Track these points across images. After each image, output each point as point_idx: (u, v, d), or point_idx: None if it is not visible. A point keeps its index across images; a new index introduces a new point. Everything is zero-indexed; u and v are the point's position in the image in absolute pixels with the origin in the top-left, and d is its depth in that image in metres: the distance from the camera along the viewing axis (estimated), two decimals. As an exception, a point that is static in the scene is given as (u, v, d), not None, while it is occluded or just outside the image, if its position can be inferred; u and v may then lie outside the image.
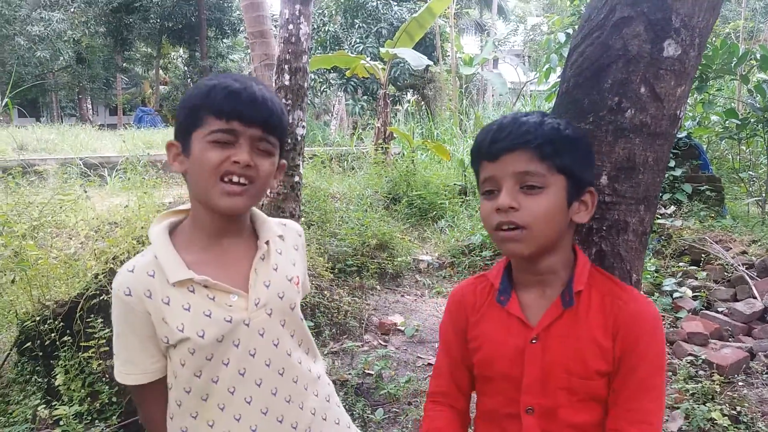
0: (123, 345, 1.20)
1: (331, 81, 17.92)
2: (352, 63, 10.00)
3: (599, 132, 1.31)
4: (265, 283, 1.23)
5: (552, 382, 1.14)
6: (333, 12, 17.85)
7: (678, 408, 3.01)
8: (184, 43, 29.63)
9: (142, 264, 1.18)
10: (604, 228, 1.34)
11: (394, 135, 10.17)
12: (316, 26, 17.00)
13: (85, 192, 4.63)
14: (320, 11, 17.60)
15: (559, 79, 2.20)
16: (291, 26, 4.26)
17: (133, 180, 5.28)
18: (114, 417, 2.71)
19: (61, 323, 2.85)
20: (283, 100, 4.24)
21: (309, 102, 15.23)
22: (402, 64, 15.05)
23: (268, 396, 1.22)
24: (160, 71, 31.49)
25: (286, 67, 4.26)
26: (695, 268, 5.07)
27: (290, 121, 4.25)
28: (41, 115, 31.00)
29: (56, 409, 2.57)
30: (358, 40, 16.49)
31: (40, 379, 2.93)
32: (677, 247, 5.45)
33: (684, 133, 7.43)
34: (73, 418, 2.56)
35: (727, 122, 7.47)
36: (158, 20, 26.46)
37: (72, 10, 25.53)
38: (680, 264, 5.18)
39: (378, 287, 5.37)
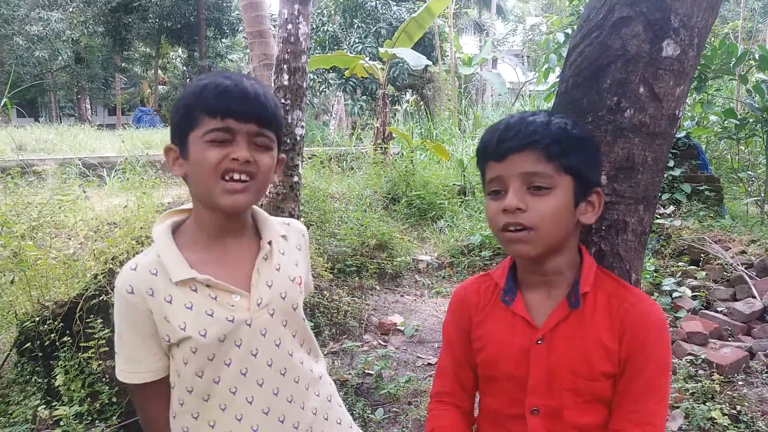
0: (125, 343, 1.20)
1: (330, 81, 17.92)
2: (351, 63, 9.99)
3: (598, 132, 1.32)
4: (267, 283, 1.23)
5: (557, 383, 1.14)
6: (332, 12, 17.86)
7: (678, 407, 3.01)
8: (182, 42, 29.60)
9: (145, 262, 1.18)
10: (603, 228, 1.34)
11: (393, 135, 10.16)
12: (315, 26, 17.00)
13: (84, 192, 4.63)
14: (319, 11, 17.60)
15: (558, 79, 2.20)
16: (290, 26, 4.26)
17: (132, 180, 5.27)
18: (114, 417, 2.71)
19: (61, 323, 2.85)
20: (282, 100, 4.24)
21: (308, 102, 15.23)
22: (401, 64, 15.05)
23: (270, 396, 1.22)
24: (159, 71, 31.46)
25: (285, 66, 4.26)
26: (694, 267, 5.07)
27: (289, 121, 4.25)
28: (40, 115, 30.97)
29: (56, 409, 2.57)
30: (357, 40, 16.50)
31: (40, 380, 2.93)
32: (676, 246, 5.45)
33: (683, 133, 7.44)
34: (73, 419, 2.55)
35: (725, 122, 7.48)
36: (157, 20, 26.43)
37: (70, 9, 25.50)
38: (679, 264, 5.19)
39: (377, 287, 5.37)
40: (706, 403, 3.03)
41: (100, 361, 2.74)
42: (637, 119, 1.30)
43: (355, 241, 5.57)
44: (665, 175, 6.67)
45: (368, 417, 3.11)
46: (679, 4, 1.27)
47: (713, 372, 3.37)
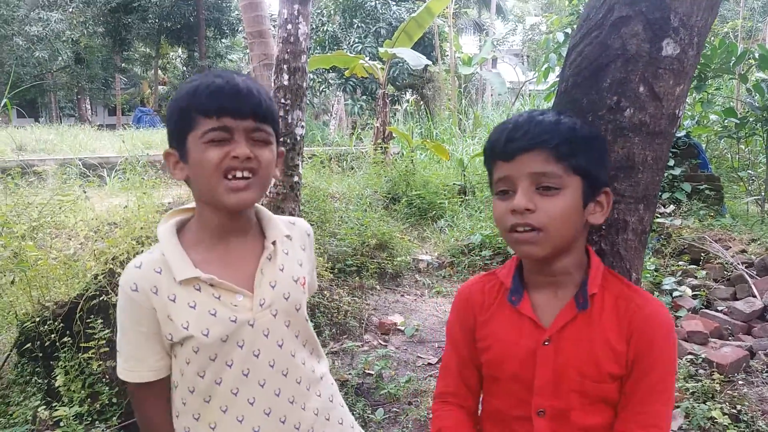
0: (127, 341, 1.20)
1: (330, 81, 17.92)
2: (350, 63, 9.99)
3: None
4: (270, 284, 1.23)
5: (564, 384, 1.13)
6: (332, 12, 17.86)
7: (678, 407, 3.01)
8: (182, 43, 29.61)
9: (149, 261, 1.18)
10: (604, 227, 1.34)
11: (393, 135, 10.16)
12: (314, 26, 17.00)
13: (85, 192, 4.63)
14: (319, 11, 17.60)
15: (557, 79, 2.20)
16: (290, 26, 4.26)
17: (132, 180, 5.28)
18: (114, 418, 2.71)
19: (61, 324, 2.85)
20: (282, 100, 4.24)
21: (308, 102, 15.24)
22: (401, 64, 15.05)
23: (272, 397, 1.22)
24: (159, 71, 31.46)
25: (285, 67, 4.26)
26: (695, 267, 5.07)
27: (289, 121, 4.25)
28: (40, 116, 30.98)
29: (56, 410, 2.57)
30: (356, 40, 16.50)
31: (40, 380, 2.93)
32: (677, 246, 5.45)
33: (683, 132, 7.44)
34: (73, 419, 2.55)
35: (725, 121, 7.48)
36: (157, 20, 26.43)
37: (70, 10, 25.51)
38: (680, 263, 5.19)
39: (378, 287, 5.37)
40: (707, 403, 3.03)
41: (101, 362, 2.74)
42: (637, 118, 1.30)
43: (355, 240, 5.57)
44: (665, 175, 6.67)
45: (368, 417, 3.11)
46: (678, 3, 1.26)
47: (713, 371, 3.36)
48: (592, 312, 1.14)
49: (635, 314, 1.12)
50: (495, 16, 28.70)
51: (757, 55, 6.62)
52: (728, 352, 3.57)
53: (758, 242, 5.43)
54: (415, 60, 9.88)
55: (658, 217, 6.03)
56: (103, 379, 2.78)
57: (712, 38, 9.07)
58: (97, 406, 2.73)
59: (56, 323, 2.82)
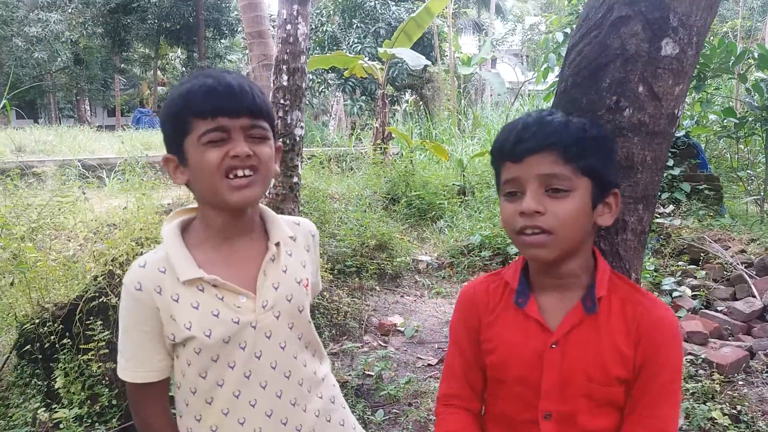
0: (130, 341, 1.19)
1: (329, 81, 17.92)
2: (350, 63, 10.00)
3: (598, 132, 1.31)
4: (273, 285, 1.22)
5: (571, 388, 1.12)
6: (331, 12, 17.85)
7: (678, 407, 3.01)
8: (182, 43, 29.61)
9: (153, 260, 1.18)
10: (603, 227, 1.34)
11: (393, 135, 10.17)
12: (314, 26, 17.01)
13: (84, 194, 4.63)
14: (318, 11, 17.60)
15: (557, 79, 2.20)
16: (289, 26, 4.26)
17: (132, 181, 5.27)
18: (114, 420, 2.71)
19: (61, 326, 2.84)
20: (281, 101, 4.24)
21: (307, 102, 15.22)
22: (400, 64, 15.05)
23: (273, 398, 1.22)
24: (158, 72, 31.48)
25: (284, 67, 4.26)
26: (694, 267, 5.07)
27: (288, 121, 4.25)
28: (39, 117, 30.97)
29: (56, 412, 2.57)
30: (356, 41, 16.50)
31: (39, 382, 2.92)
32: (676, 246, 5.45)
33: (682, 132, 7.44)
34: (73, 421, 2.55)
35: (725, 121, 7.47)
36: (156, 21, 26.44)
37: (69, 11, 25.51)
38: (679, 263, 5.19)
39: (377, 288, 5.36)
40: (707, 403, 3.03)
41: (100, 364, 2.74)
42: (636, 118, 1.30)
43: (354, 241, 5.56)
44: (665, 175, 6.67)
45: (368, 418, 3.10)
46: (677, 3, 1.26)
47: (713, 372, 3.36)
48: (599, 315, 1.12)
49: (643, 318, 1.11)
50: (494, 16, 28.74)
51: (756, 54, 6.62)
52: (728, 353, 3.56)
53: (757, 242, 5.43)
54: (415, 60, 9.89)
55: (657, 217, 6.04)
56: (103, 381, 2.77)
57: (712, 38, 9.07)
58: (97, 407, 2.72)
59: (56, 325, 2.82)
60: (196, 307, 1.16)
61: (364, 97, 17.90)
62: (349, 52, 13.72)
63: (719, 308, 4.36)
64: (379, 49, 10.63)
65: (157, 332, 1.18)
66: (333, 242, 5.48)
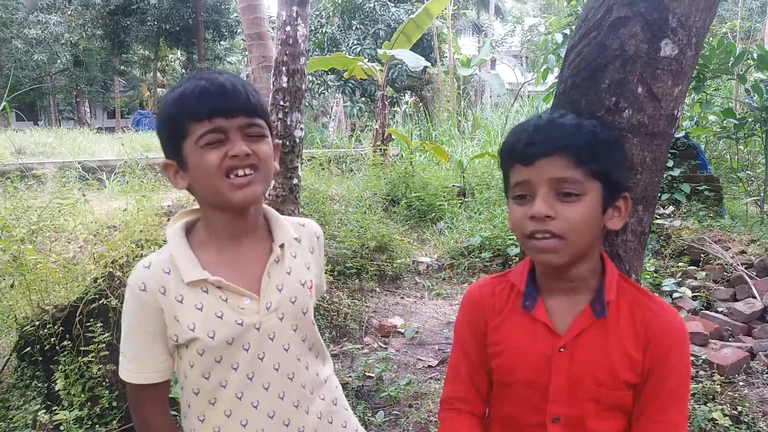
0: (134, 342, 1.19)
1: (329, 83, 17.94)
2: (349, 65, 10.01)
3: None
4: (277, 287, 1.22)
5: (580, 392, 1.11)
6: (330, 14, 17.87)
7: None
8: (181, 45, 29.64)
9: (158, 261, 1.18)
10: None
11: (393, 136, 10.18)
12: (313, 28, 17.03)
13: (84, 196, 4.62)
14: (317, 13, 17.62)
15: (556, 80, 2.20)
16: (288, 28, 4.26)
17: (132, 183, 5.27)
18: (114, 421, 2.71)
19: (61, 328, 2.84)
20: (281, 102, 4.25)
21: (307, 104, 15.24)
22: (400, 66, 15.08)
23: (276, 400, 1.22)
24: (158, 74, 31.52)
25: (284, 69, 4.26)
26: (694, 268, 5.07)
27: (288, 123, 4.25)
28: (39, 119, 30.97)
29: (56, 413, 2.57)
30: (355, 42, 16.51)
31: (40, 384, 2.92)
32: (676, 247, 5.45)
33: (682, 133, 7.44)
34: (73, 423, 2.55)
35: (724, 122, 7.48)
36: (155, 23, 26.47)
37: (69, 12, 25.54)
38: (679, 264, 5.19)
39: (377, 289, 5.36)
40: (707, 404, 3.03)
41: (101, 365, 2.74)
42: (635, 119, 1.30)
43: (354, 243, 5.56)
44: (664, 176, 6.66)
45: (369, 420, 3.10)
46: (676, 3, 1.27)
47: (714, 372, 3.36)
48: (608, 319, 1.12)
49: (652, 322, 1.11)
50: (494, 17, 28.76)
51: (755, 55, 6.63)
52: (728, 354, 3.56)
53: (758, 243, 5.43)
54: (414, 61, 9.90)
55: (657, 218, 6.04)
56: (103, 383, 2.77)
57: (711, 39, 9.08)
58: (97, 409, 2.72)
59: (56, 327, 2.82)
60: (200, 309, 1.15)
61: (363, 99, 17.91)
62: (349, 54, 13.74)
63: (719, 309, 4.36)
64: (378, 50, 10.64)
65: (161, 333, 1.18)
66: (333, 244, 5.48)
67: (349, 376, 3.52)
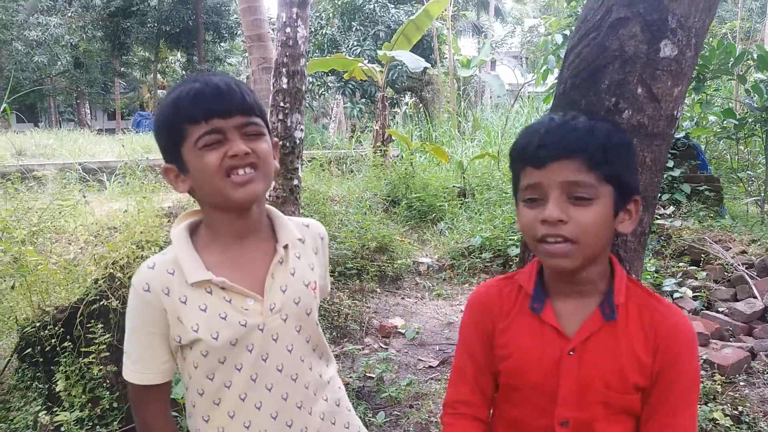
0: (138, 342, 1.19)
1: (329, 84, 17.94)
2: (349, 66, 10.01)
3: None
4: (281, 288, 1.22)
5: (589, 395, 1.10)
6: (330, 15, 17.88)
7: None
8: (181, 46, 29.63)
9: (162, 262, 1.18)
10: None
11: (393, 137, 10.18)
12: (313, 29, 17.03)
13: (84, 197, 4.62)
14: (317, 14, 17.62)
15: (556, 81, 2.20)
16: (288, 29, 4.26)
17: (132, 185, 5.27)
18: (115, 422, 2.71)
19: (62, 329, 2.84)
20: (281, 104, 4.25)
21: (307, 105, 15.25)
22: (400, 67, 15.08)
23: (279, 401, 1.22)
24: (158, 75, 31.51)
25: (284, 70, 4.26)
26: (695, 268, 5.07)
27: (288, 124, 4.25)
28: (39, 120, 30.97)
29: (57, 415, 2.57)
30: (355, 43, 16.52)
31: (40, 385, 2.92)
32: (677, 247, 5.45)
33: (682, 134, 7.44)
34: (74, 424, 2.55)
35: (725, 122, 7.48)
36: (156, 24, 26.46)
37: (69, 14, 25.54)
38: (680, 264, 5.19)
39: (378, 290, 5.36)
40: (708, 404, 3.03)
41: (101, 366, 2.74)
42: (635, 120, 1.31)
43: (355, 243, 5.57)
44: (665, 176, 6.67)
45: (369, 420, 3.10)
46: (676, 4, 1.27)
47: (714, 373, 3.36)
48: (617, 322, 1.11)
49: (660, 325, 1.10)
50: (493, 18, 28.76)
51: (755, 55, 6.62)
52: (729, 354, 3.56)
53: (758, 243, 5.42)
54: (414, 63, 9.90)
55: (657, 219, 6.04)
56: (104, 384, 2.77)
57: (711, 39, 9.08)
58: (98, 410, 2.72)
59: (57, 328, 2.82)
60: (203, 310, 1.16)
61: (363, 100, 17.92)
62: (349, 55, 13.75)
63: (720, 309, 4.36)
64: (378, 51, 10.65)
65: (163, 334, 1.18)
66: (334, 244, 5.48)
67: (350, 377, 3.52)
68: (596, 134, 1.04)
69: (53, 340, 2.79)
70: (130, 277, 2.85)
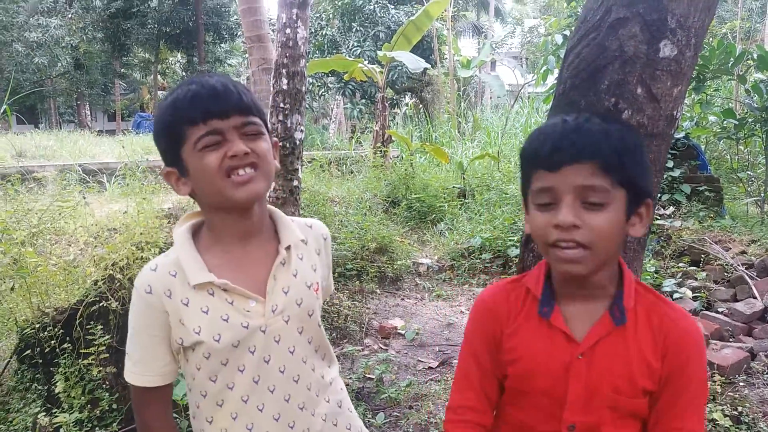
0: (140, 344, 1.19)
1: (329, 85, 17.95)
2: (350, 66, 10.02)
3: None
4: (283, 290, 1.22)
5: (597, 399, 1.10)
6: (330, 16, 17.88)
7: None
8: (182, 48, 29.65)
9: (164, 263, 1.18)
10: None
11: (393, 138, 10.18)
12: (313, 30, 17.03)
13: (84, 198, 4.63)
14: (317, 15, 17.63)
15: (556, 81, 2.20)
16: (288, 30, 4.27)
17: (132, 186, 5.27)
18: (114, 424, 2.71)
19: (61, 330, 2.84)
20: (281, 104, 4.25)
21: (307, 106, 15.25)
22: (400, 68, 15.07)
23: (281, 402, 1.22)
24: (159, 76, 31.50)
25: (284, 71, 4.26)
26: (695, 268, 5.07)
27: (288, 125, 4.25)
28: (40, 122, 30.97)
29: (56, 416, 2.57)
30: (355, 44, 16.52)
31: (40, 387, 2.92)
32: (677, 247, 5.45)
33: (682, 134, 7.44)
34: (73, 426, 2.55)
35: (724, 122, 7.48)
36: (156, 25, 26.48)
37: (69, 16, 25.56)
38: (680, 264, 5.18)
39: (378, 291, 5.36)
40: (708, 405, 3.03)
41: (101, 368, 2.74)
42: (635, 120, 1.31)
43: (355, 244, 5.56)
44: (665, 176, 6.67)
45: (369, 421, 3.10)
46: (675, 4, 1.27)
47: (714, 373, 3.36)
48: (627, 326, 1.10)
49: (670, 330, 1.09)
50: (493, 18, 28.76)
51: (755, 55, 6.62)
52: (729, 354, 3.56)
53: (758, 243, 5.42)
54: (414, 63, 9.91)
55: (657, 219, 6.03)
56: (103, 385, 2.77)
57: (711, 39, 9.08)
58: (97, 412, 2.72)
59: (56, 329, 2.82)
60: (205, 312, 1.15)
61: (363, 101, 17.92)
62: (349, 56, 13.75)
63: (720, 309, 4.36)
64: (378, 52, 10.66)
65: (165, 336, 1.18)
66: (333, 245, 5.47)
67: (350, 378, 3.52)
68: (611, 138, 1.02)
69: (53, 342, 2.79)
70: (129, 279, 2.85)
